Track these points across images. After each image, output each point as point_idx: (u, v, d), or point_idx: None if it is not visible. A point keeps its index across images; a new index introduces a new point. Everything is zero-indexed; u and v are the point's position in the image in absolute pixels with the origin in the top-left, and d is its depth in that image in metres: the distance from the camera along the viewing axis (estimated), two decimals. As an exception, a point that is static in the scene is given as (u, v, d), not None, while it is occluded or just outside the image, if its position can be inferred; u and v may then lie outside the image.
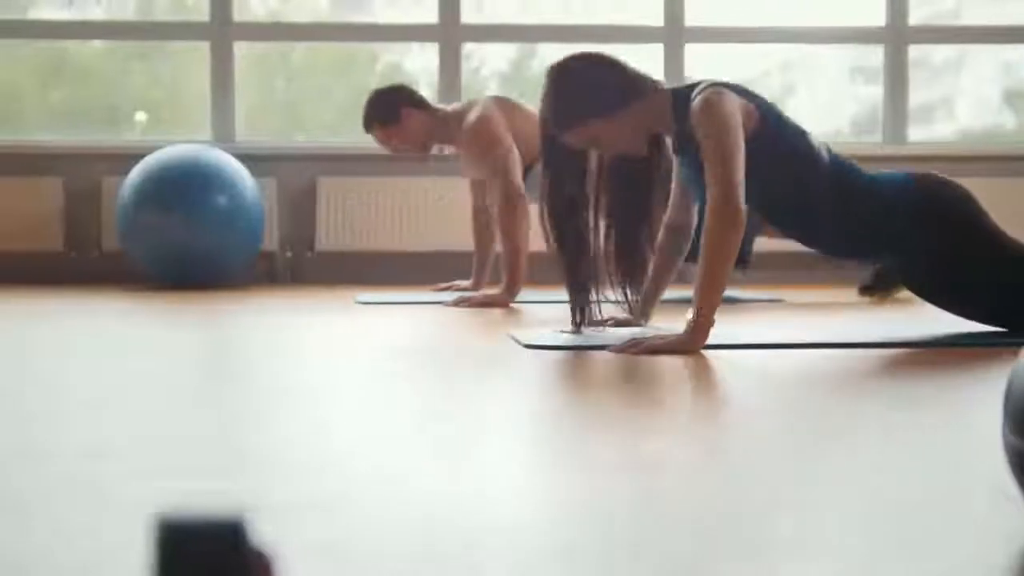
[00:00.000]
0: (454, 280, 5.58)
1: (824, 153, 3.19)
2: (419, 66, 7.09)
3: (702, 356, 2.89)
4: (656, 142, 3.26)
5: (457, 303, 4.63)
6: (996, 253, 3.17)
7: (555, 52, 7.32)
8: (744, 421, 2.02)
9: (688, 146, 3.13)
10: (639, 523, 1.31)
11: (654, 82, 3.22)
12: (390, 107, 4.97)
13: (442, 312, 4.38)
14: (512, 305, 4.66)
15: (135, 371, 2.63)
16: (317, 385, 2.50)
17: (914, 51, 6.78)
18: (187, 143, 6.00)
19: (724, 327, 3.36)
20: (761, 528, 1.29)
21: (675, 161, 3.32)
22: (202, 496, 1.43)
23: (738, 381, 2.52)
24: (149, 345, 3.18)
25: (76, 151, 6.36)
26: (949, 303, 3.29)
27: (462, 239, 5.78)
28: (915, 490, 1.47)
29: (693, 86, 3.16)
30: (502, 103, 4.94)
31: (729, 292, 5.13)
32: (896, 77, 6.67)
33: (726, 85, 3.12)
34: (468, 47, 6.75)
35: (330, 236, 6.36)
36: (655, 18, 6.60)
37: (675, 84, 3.25)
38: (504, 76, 7.48)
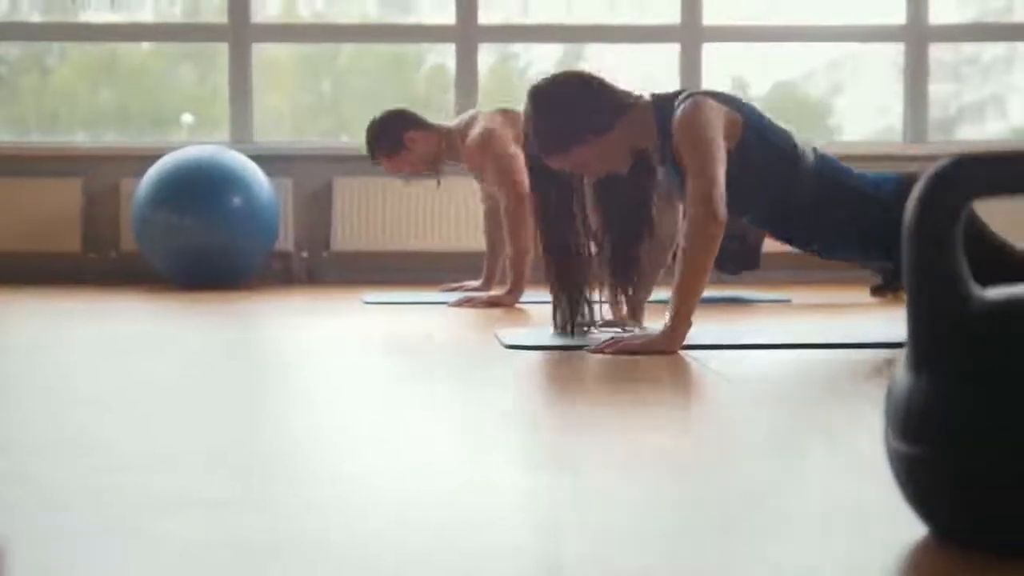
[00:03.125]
0: (464, 280, 5.58)
1: (810, 154, 3.18)
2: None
3: (679, 356, 2.88)
4: (642, 157, 3.25)
5: (460, 303, 4.64)
6: (983, 254, 3.13)
7: (602, 52, 7.46)
8: (702, 422, 2.02)
9: (671, 156, 3.12)
10: (601, 521, 1.31)
11: (636, 96, 3.20)
12: (393, 135, 4.94)
13: (445, 313, 4.39)
14: (517, 306, 4.67)
15: (136, 370, 2.67)
16: (294, 388, 2.52)
17: (966, 49, 6.71)
18: (204, 144, 6.04)
19: (714, 327, 3.36)
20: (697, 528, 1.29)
21: (660, 171, 3.31)
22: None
23: (709, 382, 2.51)
24: (151, 345, 3.22)
25: (95, 152, 6.42)
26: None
27: (478, 239, 5.78)
28: (816, 493, 1.47)
29: (676, 95, 3.15)
30: (504, 113, 4.92)
31: (738, 293, 5.14)
32: (916, 76, 6.62)
33: (708, 93, 3.11)
34: (516, 47, 6.78)
35: (346, 236, 6.39)
36: (672, 17, 6.58)
37: (658, 92, 3.23)
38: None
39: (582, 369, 2.68)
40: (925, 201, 1.16)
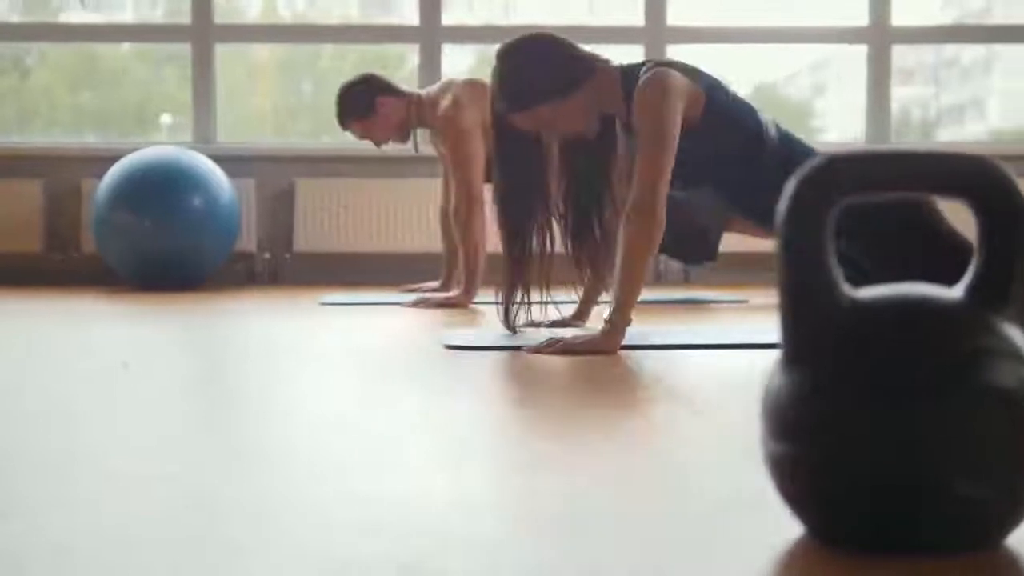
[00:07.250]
0: (426, 281, 5.58)
1: (772, 129, 3.19)
2: (450, 66, 7.09)
3: (618, 356, 2.88)
4: (607, 122, 3.24)
5: (415, 304, 4.64)
6: (935, 238, 3.12)
7: (608, 50, 7.41)
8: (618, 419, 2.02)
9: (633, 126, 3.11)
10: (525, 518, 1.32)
11: (604, 61, 3.20)
12: (364, 99, 4.91)
13: (400, 313, 4.38)
14: (472, 306, 4.66)
15: (72, 376, 2.66)
16: (221, 392, 2.51)
17: (947, 51, 6.72)
18: (165, 144, 6.03)
19: (661, 327, 3.36)
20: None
21: (622, 140, 3.28)
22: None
23: (643, 381, 2.52)
24: (90, 348, 3.21)
25: (56, 153, 6.40)
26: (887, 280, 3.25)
27: (439, 240, 5.78)
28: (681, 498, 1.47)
29: (642, 65, 3.15)
30: (475, 87, 4.87)
31: (695, 294, 5.15)
32: (879, 78, 6.63)
33: (672, 64, 3.11)
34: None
35: (308, 237, 6.38)
36: (636, 18, 6.59)
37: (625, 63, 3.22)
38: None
39: (517, 370, 2.68)
40: (796, 201, 1.16)
